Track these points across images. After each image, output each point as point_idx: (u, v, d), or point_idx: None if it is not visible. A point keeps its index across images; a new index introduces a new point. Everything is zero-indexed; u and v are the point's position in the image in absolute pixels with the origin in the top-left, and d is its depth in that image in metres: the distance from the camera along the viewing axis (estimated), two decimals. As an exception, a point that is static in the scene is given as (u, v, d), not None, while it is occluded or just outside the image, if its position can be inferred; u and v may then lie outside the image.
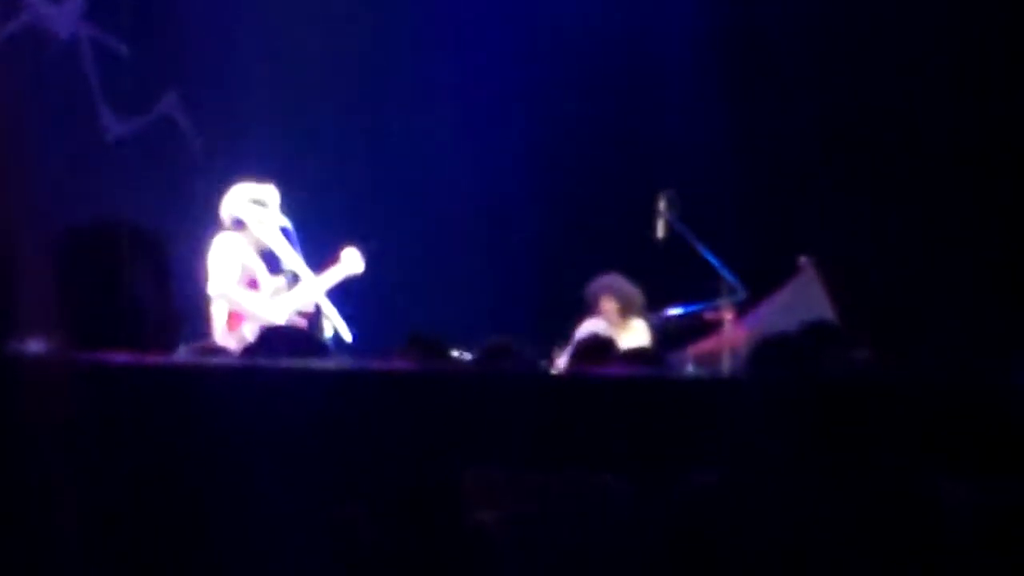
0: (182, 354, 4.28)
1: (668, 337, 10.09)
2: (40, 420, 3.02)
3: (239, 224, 9.30)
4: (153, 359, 3.34)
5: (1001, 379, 3.25)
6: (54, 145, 10.94)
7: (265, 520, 3.30)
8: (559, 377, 3.22)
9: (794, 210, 11.40)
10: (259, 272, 9.32)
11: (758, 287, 9.95)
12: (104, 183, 10.81)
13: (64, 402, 3.01)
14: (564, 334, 9.61)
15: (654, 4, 11.90)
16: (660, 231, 10.21)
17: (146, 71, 11.50)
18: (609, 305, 10.07)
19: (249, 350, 6.66)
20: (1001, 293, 10.94)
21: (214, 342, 8.74)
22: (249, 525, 3.25)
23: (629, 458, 3.19)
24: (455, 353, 8.39)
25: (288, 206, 9.45)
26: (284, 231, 9.32)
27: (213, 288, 9.17)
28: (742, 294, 9.90)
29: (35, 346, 3.53)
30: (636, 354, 7.49)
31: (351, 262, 9.57)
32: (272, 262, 9.39)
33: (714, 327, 9.98)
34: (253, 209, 9.29)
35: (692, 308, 10.16)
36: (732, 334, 9.79)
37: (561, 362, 9.14)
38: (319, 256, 9.55)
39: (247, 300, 9.22)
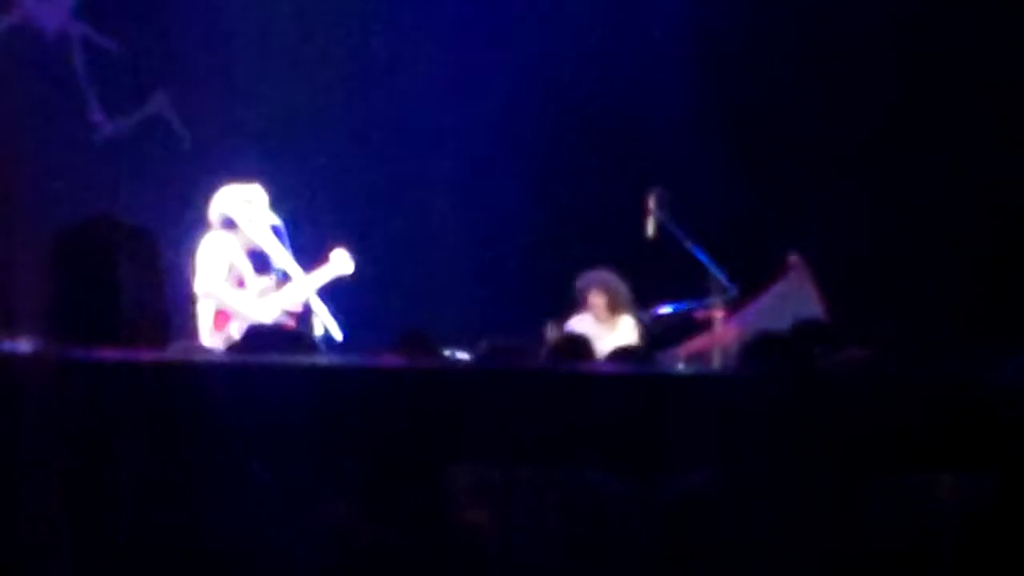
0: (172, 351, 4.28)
1: (659, 335, 10.09)
2: (29, 418, 3.02)
3: (228, 224, 9.26)
4: (144, 355, 3.33)
5: (988, 376, 3.25)
6: (43, 142, 10.94)
7: (256, 517, 3.30)
8: (551, 374, 3.21)
9: (784, 208, 11.41)
10: (247, 272, 9.29)
11: (748, 285, 9.95)
12: (93, 181, 10.80)
13: (54, 400, 3.00)
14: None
15: (645, 2, 11.91)
16: (650, 229, 10.20)
17: (136, 70, 11.49)
18: (598, 300, 10.09)
19: (235, 349, 6.65)
20: (991, 290, 10.96)
21: (199, 343, 8.70)
22: (240, 522, 3.25)
23: (620, 456, 3.18)
24: (446, 353, 8.39)
25: (277, 205, 9.43)
26: (275, 229, 9.29)
27: (200, 286, 9.12)
28: (732, 292, 9.90)
29: (25, 344, 3.52)
30: (624, 353, 7.45)
31: (340, 263, 9.54)
32: (261, 262, 9.35)
33: (705, 325, 9.99)
34: (243, 208, 9.26)
35: (682, 306, 10.17)
36: (723, 332, 9.79)
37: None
38: (309, 255, 9.53)
39: (234, 299, 9.18)
